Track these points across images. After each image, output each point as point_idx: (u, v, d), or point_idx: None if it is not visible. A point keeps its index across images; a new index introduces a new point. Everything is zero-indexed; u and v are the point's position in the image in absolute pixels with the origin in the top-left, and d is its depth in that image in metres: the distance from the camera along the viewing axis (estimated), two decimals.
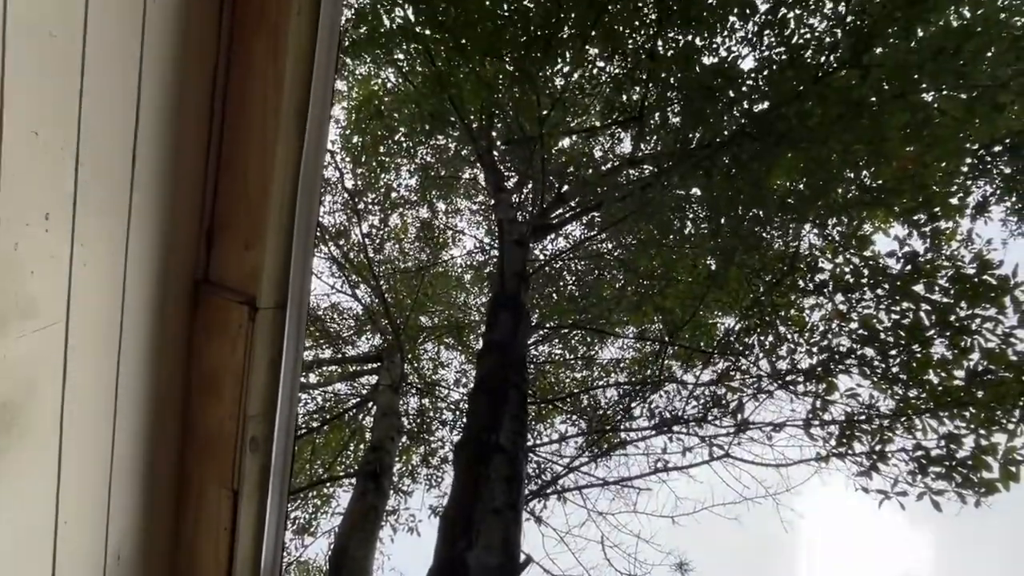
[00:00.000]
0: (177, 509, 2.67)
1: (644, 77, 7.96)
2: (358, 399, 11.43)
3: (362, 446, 11.81)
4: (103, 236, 1.65)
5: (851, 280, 5.84)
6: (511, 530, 2.74)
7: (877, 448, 6.44)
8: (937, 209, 5.33)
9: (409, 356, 11.58)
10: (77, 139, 1.51)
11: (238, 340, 2.49)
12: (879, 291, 5.77)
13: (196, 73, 1.86)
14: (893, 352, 6.32)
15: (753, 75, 5.87)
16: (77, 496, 1.83)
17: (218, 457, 2.65)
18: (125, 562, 2.20)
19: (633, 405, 7.68)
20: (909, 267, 5.37)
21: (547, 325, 9.69)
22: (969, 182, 6.82)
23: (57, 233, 1.51)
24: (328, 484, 10.99)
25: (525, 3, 7.40)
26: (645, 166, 8.84)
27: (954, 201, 5.52)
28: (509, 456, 3.31)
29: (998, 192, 7.62)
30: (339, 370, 11.96)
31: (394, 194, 12.90)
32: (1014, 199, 7.73)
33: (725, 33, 7.00)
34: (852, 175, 5.48)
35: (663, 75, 6.88)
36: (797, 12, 5.84)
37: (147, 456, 2.32)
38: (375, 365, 11.40)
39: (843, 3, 5.62)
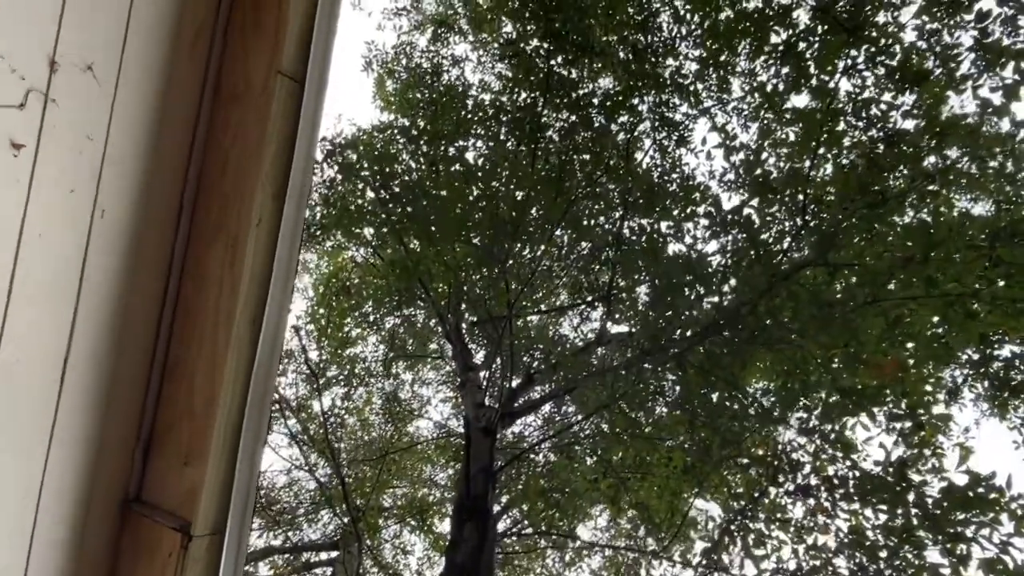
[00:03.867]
0: None
1: (612, 256, 8.04)
2: None
3: None
4: (11, 474, 1.53)
5: (836, 483, 5.57)
6: None
7: None
8: (923, 422, 5.18)
9: (368, 543, 10.82)
10: None
11: (167, 570, 2.18)
12: (867, 494, 5.49)
13: (145, 283, 1.78)
14: (883, 555, 5.94)
15: (721, 270, 5.90)
16: None
17: None
18: None
19: None
20: (898, 478, 5.14)
21: (515, 530, 9.21)
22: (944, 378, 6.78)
23: None
24: None
25: (494, 184, 7.54)
26: (615, 346, 8.76)
27: (939, 410, 5.39)
28: None
29: (969, 379, 7.57)
30: (291, 560, 11.09)
31: (359, 367, 12.63)
32: (986, 385, 7.67)
33: (692, 222, 7.16)
34: (831, 377, 5.38)
35: (630, 261, 6.93)
36: (759, 210, 5.96)
37: None
38: (330, 555, 10.61)
39: (803, 197, 5.77)
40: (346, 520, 9.91)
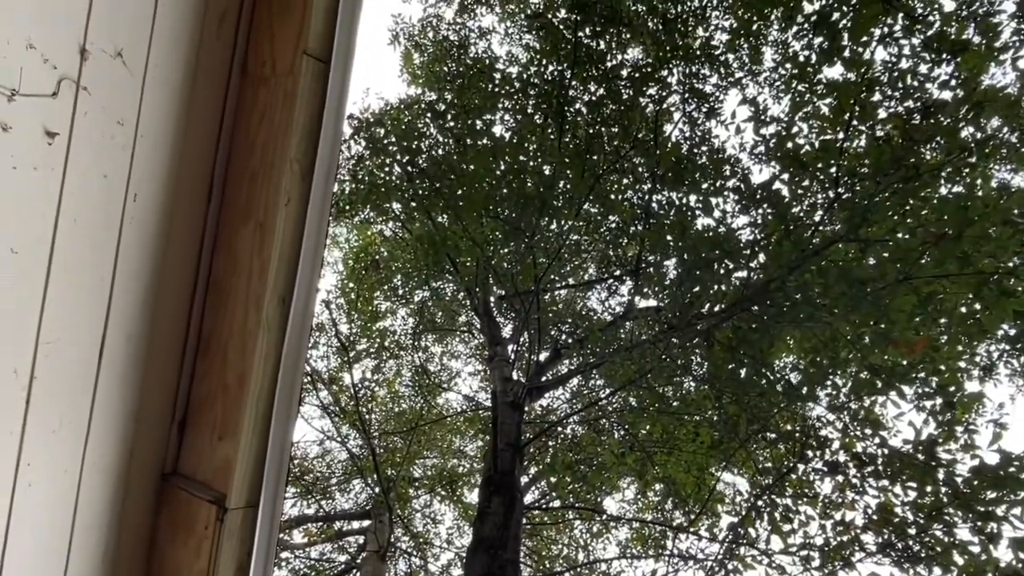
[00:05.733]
0: None
1: (640, 232, 7.99)
2: (343, 565, 10.74)
3: None
4: (55, 450, 1.58)
5: (865, 459, 5.53)
6: None
7: None
8: (954, 400, 5.09)
9: (399, 512, 11.00)
10: (34, 354, 1.46)
11: (204, 543, 2.25)
12: (896, 471, 5.44)
13: (177, 263, 1.83)
14: (912, 531, 5.91)
15: (750, 245, 5.82)
16: None
17: None
18: None
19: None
20: (928, 456, 5.08)
21: (542, 502, 9.29)
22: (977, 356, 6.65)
23: None
24: None
25: (521, 158, 7.50)
26: (643, 321, 8.73)
27: (972, 387, 5.29)
28: None
29: (1005, 355, 7.43)
30: (324, 527, 11.33)
31: (389, 340, 12.75)
32: (1022, 360, 7.52)
33: (721, 196, 7.06)
34: (861, 355, 5.31)
35: (658, 235, 6.87)
36: (790, 185, 5.86)
37: None
38: (362, 524, 10.82)
39: (835, 170, 5.66)
40: (377, 490, 10.09)
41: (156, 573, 2.40)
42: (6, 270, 1.38)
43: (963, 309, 4.98)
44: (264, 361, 1.82)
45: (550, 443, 10.56)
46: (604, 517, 9.44)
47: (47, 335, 1.49)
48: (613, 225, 9.07)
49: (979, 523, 5.29)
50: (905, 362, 5.15)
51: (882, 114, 5.42)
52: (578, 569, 9.18)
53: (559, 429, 10.33)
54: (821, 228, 5.65)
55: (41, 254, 1.45)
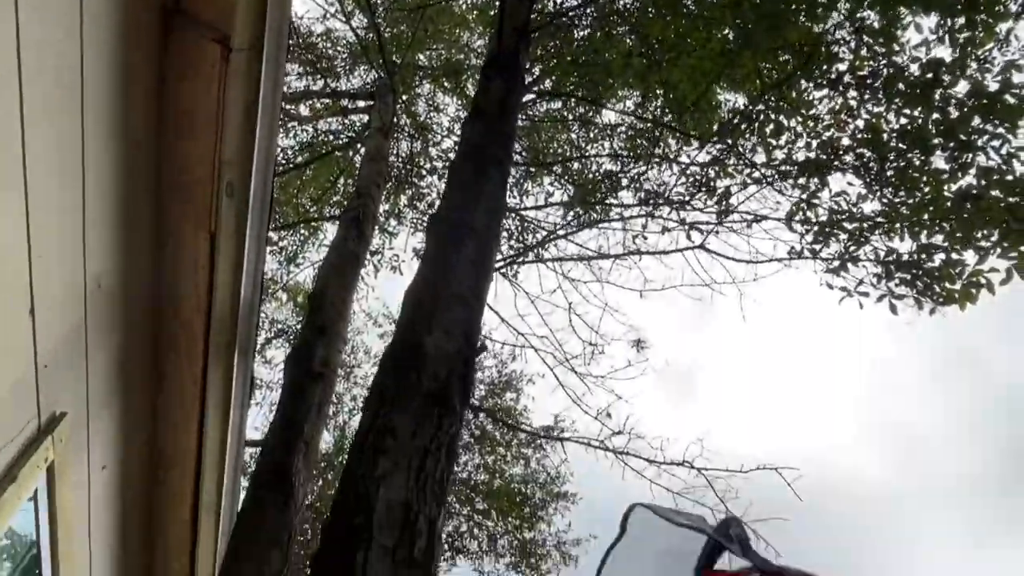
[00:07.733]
0: (156, 247, 2.77)
1: None
2: (348, 138, 11.23)
3: (350, 181, 11.82)
4: None
5: (869, 79, 5.51)
6: (473, 317, 2.80)
7: (851, 249, 6.54)
8: (978, 20, 4.84)
9: (403, 97, 11.17)
10: None
11: (212, 81, 2.45)
12: (894, 92, 5.48)
13: None
14: (891, 156, 6.18)
15: None
16: (49, 233, 1.89)
17: (195, 200, 2.72)
18: (107, 290, 2.36)
19: (621, 174, 7.62)
20: (930, 75, 5.04)
21: (545, 85, 9.32)
22: None
23: None
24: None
25: None
26: None
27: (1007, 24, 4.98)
28: (481, 241, 3.28)
29: None
30: (329, 103, 11.58)
31: None
32: None
33: None
34: None
35: None
36: None
37: (121, 198, 2.38)
38: (367, 103, 11.04)
39: None
40: (382, 74, 10.10)
41: (169, 112, 2.55)
42: None
43: None
44: None
45: (562, 48, 10.29)
46: (600, 112, 9.66)
47: None
48: None
49: (956, 152, 5.51)
50: None
51: None
52: (569, 163, 9.69)
53: (569, 31, 9.98)
54: None
55: None
